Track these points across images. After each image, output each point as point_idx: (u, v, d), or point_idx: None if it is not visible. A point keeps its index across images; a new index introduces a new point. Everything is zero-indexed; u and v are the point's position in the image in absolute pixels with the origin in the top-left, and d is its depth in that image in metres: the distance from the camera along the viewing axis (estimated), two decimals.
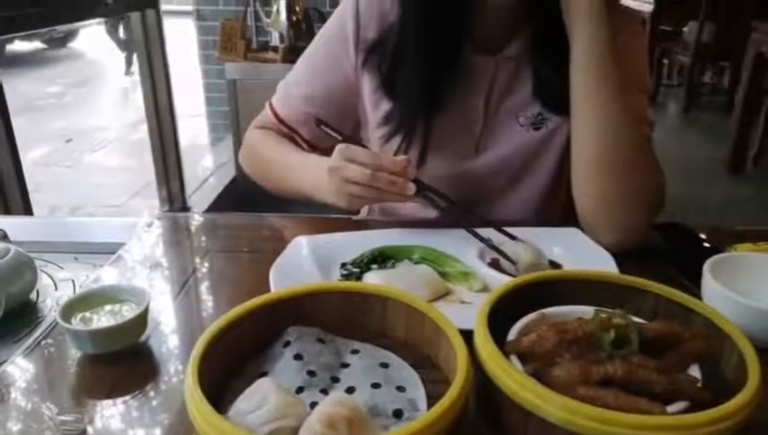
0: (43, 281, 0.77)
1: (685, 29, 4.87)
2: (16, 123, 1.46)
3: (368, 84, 0.90)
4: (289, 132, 0.96)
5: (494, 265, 0.73)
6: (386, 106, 0.89)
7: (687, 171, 3.52)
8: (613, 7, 0.78)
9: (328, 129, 0.86)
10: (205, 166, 3.17)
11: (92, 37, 7.57)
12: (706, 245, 0.78)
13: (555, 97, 0.83)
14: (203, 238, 0.87)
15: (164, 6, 2.02)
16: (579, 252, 0.74)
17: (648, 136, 0.85)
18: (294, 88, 0.95)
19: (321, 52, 0.93)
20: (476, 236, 0.76)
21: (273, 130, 0.98)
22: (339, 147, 0.77)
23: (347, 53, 0.89)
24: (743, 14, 4.26)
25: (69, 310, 0.59)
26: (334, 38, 0.91)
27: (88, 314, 0.60)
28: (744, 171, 3.57)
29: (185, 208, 2.24)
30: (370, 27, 0.88)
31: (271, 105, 0.98)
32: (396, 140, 0.88)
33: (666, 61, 5.34)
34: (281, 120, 0.96)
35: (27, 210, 1.44)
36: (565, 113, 0.82)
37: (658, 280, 0.56)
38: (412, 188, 0.74)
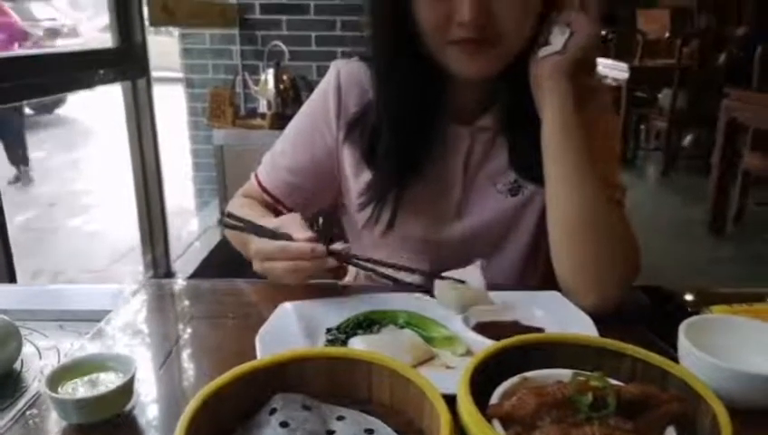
0: (28, 349, 0.76)
1: (660, 95, 5.08)
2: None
3: (349, 156, 0.94)
4: (272, 202, 0.99)
5: (478, 329, 0.74)
6: (367, 176, 0.92)
7: (668, 233, 3.59)
8: (579, 81, 0.83)
9: (232, 220, 0.86)
10: (190, 230, 3.18)
11: (80, 104, 7.69)
12: (685, 307, 0.80)
13: (530, 166, 0.87)
14: (188, 305, 0.88)
15: (154, 73, 2.08)
16: (560, 315, 0.75)
17: (621, 201, 0.88)
18: (279, 158, 0.99)
19: (305, 124, 0.98)
20: (416, 288, 0.78)
21: (256, 199, 1.00)
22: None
23: (329, 127, 0.94)
24: (714, 82, 4.47)
25: (55, 379, 0.59)
26: (317, 112, 0.96)
27: (74, 383, 0.60)
28: (724, 232, 3.64)
29: (169, 274, 2.23)
30: (351, 102, 0.93)
31: (256, 175, 1.01)
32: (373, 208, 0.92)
33: (643, 126, 5.53)
34: (264, 190, 0.99)
35: (11, 277, 1.43)
36: (540, 181, 0.85)
37: (637, 343, 0.58)
38: (321, 247, 0.76)
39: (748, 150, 3.45)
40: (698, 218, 3.73)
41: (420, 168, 0.90)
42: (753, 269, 3.08)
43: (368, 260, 0.83)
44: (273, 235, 0.79)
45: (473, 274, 0.74)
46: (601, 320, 0.73)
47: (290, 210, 0.99)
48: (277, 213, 0.99)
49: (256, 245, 0.81)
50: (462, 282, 0.74)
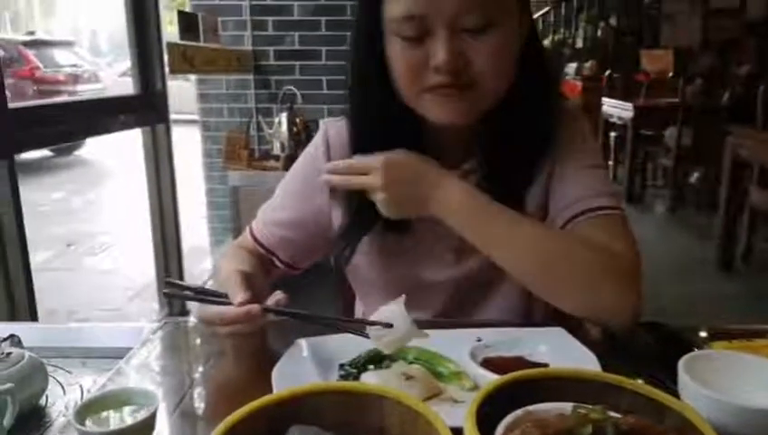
0: (52, 385, 0.79)
1: (665, 133, 5.14)
2: None
3: (339, 210, 0.96)
4: (267, 254, 1.01)
5: (485, 364, 0.76)
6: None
7: (677, 270, 3.58)
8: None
9: (173, 288, 0.85)
10: (204, 268, 3.22)
11: (98, 146, 7.86)
12: (686, 342, 0.82)
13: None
14: (205, 342, 0.91)
15: (171, 115, 2.16)
16: (563, 351, 0.78)
17: (614, 207, 0.88)
18: (273, 213, 1.02)
19: (297, 183, 1.01)
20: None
21: (251, 251, 1.02)
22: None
23: (319, 186, 0.95)
24: (718, 120, 4.52)
25: (82, 412, 0.62)
26: (308, 171, 0.99)
27: (99, 417, 0.63)
28: (734, 269, 3.63)
29: (184, 312, 2.27)
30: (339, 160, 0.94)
31: (251, 229, 1.04)
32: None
33: (650, 164, 5.57)
34: (259, 243, 1.02)
35: (33, 315, 1.47)
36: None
37: (639, 378, 0.60)
38: (256, 308, 0.78)
39: (754, 187, 3.47)
40: (707, 255, 3.72)
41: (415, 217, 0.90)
42: (762, 306, 3.06)
43: (303, 314, 0.82)
44: (217, 297, 0.80)
45: (397, 312, 0.73)
46: (604, 355, 0.76)
47: (285, 262, 1.02)
48: (272, 265, 1.02)
49: (198, 311, 0.83)
50: (390, 325, 0.73)
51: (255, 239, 1.02)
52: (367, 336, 0.75)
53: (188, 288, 0.83)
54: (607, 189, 0.90)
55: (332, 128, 0.98)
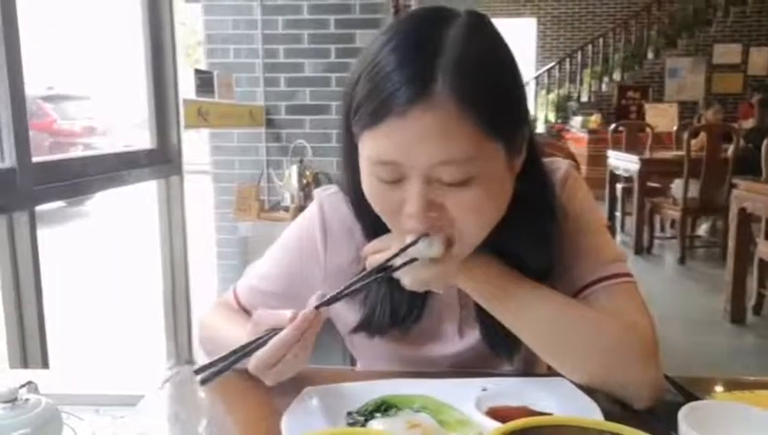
0: (65, 432, 0.81)
1: (672, 185, 5.19)
2: None
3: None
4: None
5: (490, 414, 0.78)
6: (357, 316, 0.93)
7: (688, 322, 3.55)
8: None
9: (208, 369, 0.74)
10: None
11: (110, 196, 7.99)
12: (688, 393, 0.83)
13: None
14: (216, 389, 0.92)
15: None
16: (566, 401, 0.79)
17: (629, 275, 0.87)
18: (260, 281, 0.99)
19: (290, 254, 0.98)
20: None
21: (233, 311, 1.00)
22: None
23: (318, 268, 0.94)
24: (723, 172, 4.58)
25: None
26: (303, 246, 0.96)
27: None
28: (745, 321, 3.60)
29: (191, 361, 2.27)
30: (338, 247, 0.93)
31: (235, 292, 1.01)
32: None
33: (657, 216, 5.60)
34: (243, 308, 0.99)
35: (45, 363, 1.49)
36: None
37: (641, 428, 0.61)
38: (308, 311, 0.75)
39: (762, 240, 3.48)
40: (718, 307, 3.69)
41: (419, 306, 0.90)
42: None
43: (345, 288, 0.79)
44: (257, 344, 0.76)
45: None
46: (606, 404, 0.77)
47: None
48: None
49: (251, 363, 0.77)
50: (426, 235, 0.74)
51: (239, 304, 1.00)
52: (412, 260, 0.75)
53: (217, 361, 0.75)
54: (616, 254, 0.88)
55: (327, 201, 0.95)
